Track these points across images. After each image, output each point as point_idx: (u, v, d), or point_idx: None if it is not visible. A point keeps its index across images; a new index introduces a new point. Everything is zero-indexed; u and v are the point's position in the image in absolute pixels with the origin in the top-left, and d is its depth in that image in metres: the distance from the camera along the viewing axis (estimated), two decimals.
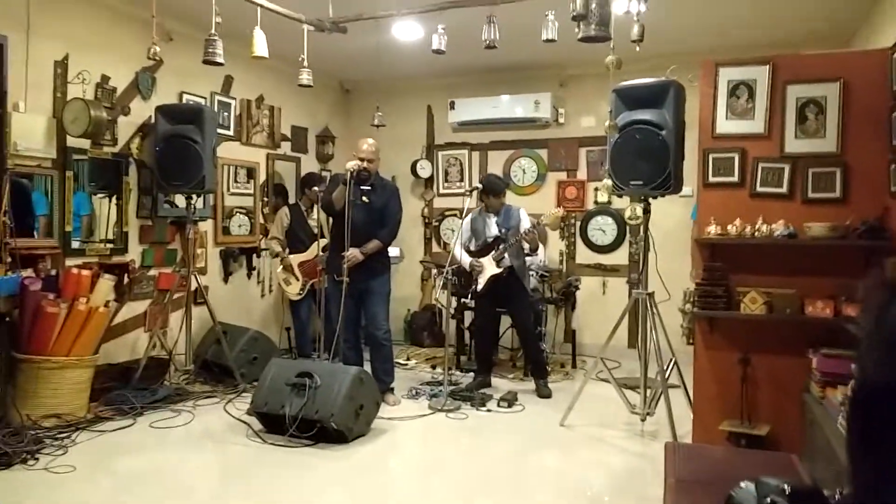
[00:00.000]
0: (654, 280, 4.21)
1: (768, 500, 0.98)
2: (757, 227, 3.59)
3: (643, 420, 4.16)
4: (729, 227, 3.65)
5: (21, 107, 4.26)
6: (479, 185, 5.23)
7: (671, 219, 5.56)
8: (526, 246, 5.18)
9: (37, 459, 3.50)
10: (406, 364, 6.06)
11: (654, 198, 4.15)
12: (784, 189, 3.66)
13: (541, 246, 6.14)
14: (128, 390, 4.51)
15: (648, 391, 4.16)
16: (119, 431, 4.04)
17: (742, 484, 1.05)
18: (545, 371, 5.30)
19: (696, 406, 3.85)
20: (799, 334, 3.49)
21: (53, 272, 4.23)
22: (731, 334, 3.71)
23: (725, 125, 3.78)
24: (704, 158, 3.81)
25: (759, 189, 3.71)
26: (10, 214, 3.91)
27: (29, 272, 4.10)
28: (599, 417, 4.45)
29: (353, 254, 4.62)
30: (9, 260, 3.93)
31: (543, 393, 5.08)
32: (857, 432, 0.51)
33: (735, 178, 3.75)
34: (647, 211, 4.20)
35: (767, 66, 3.70)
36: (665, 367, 4.04)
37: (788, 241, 3.51)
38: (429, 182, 7.32)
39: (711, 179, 3.81)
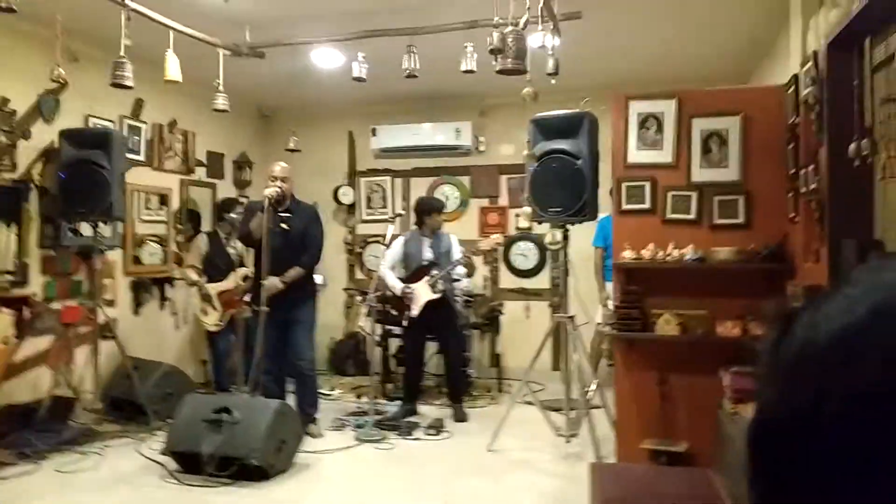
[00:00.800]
0: (575, 303, 4.32)
1: None
2: (668, 251, 3.75)
3: (568, 441, 4.23)
4: (643, 251, 3.80)
5: None
6: (416, 207, 5.26)
7: (589, 244, 5.73)
8: (462, 271, 5.22)
9: None
10: (330, 394, 5.93)
11: (572, 224, 4.28)
12: (692, 216, 3.85)
13: (464, 270, 6.19)
14: (30, 432, 4.19)
15: (572, 413, 4.24)
16: (21, 477, 3.76)
17: None
18: (462, 396, 5.32)
19: (618, 425, 3.95)
20: (711, 353, 3.64)
21: None
22: (649, 355, 3.84)
23: (637, 155, 3.95)
24: (618, 187, 3.96)
25: (670, 216, 3.88)
26: None
27: None
28: (526, 441, 4.49)
29: (271, 283, 4.50)
30: None
31: (460, 416, 5.10)
32: (754, 475, 0.50)
33: (647, 206, 3.91)
34: (565, 237, 4.32)
35: (674, 100, 3.90)
36: (587, 389, 4.14)
37: (698, 265, 3.69)
38: (351, 208, 7.27)
39: (625, 206, 3.95)
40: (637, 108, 3.95)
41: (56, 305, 4.93)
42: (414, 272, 5.19)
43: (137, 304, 5.75)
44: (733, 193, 3.80)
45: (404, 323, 5.21)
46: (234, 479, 3.69)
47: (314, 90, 6.29)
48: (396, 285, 5.14)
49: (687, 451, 3.65)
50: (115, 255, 5.51)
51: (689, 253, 3.71)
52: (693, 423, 3.73)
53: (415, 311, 5.08)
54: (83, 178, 4.63)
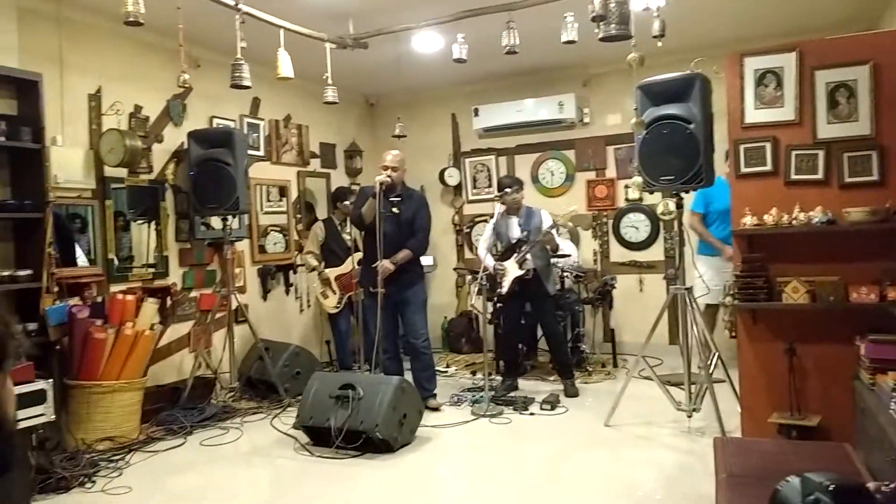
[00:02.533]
0: (693, 274, 4.17)
1: (812, 497, 0.97)
2: (794, 215, 3.54)
3: (689, 416, 4.12)
4: (765, 216, 3.60)
5: (59, 140, 4.40)
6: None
7: None
8: (569, 248, 5.18)
9: (94, 482, 3.60)
10: (446, 371, 6.09)
11: (686, 192, 4.12)
12: (820, 175, 3.60)
13: (573, 246, 6.13)
14: (177, 410, 4.62)
15: (693, 387, 4.12)
16: (171, 451, 4.14)
17: (788, 479, 1.04)
18: (571, 371, 5.29)
19: (743, 399, 3.79)
20: (845, 321, 3.42)
21: (99, 299, 4.35)
22: (775, 325, 3.66)
23: (755, 115, 3.73)
24: (736, 149, 3.77)
25: (794, 177, 3.65)
26: (54, 245, 4.02)
27: (76, 300, 4.21)
28: (644, 416, 4.41)
29: (383, 265, 4.67)
30: (56, 289, 4.05)
31: (570, 392, 5.08)
32: None
33: (768, 168, 3.70)
34: (679, 206, 4.17)
35: (794, 53, 3.65)
36: (709, 362, 4.00)
37: (828, 228, 3.46)
38: (458, 189, 7.35)
39: (744, 170, 3.76)
40: (753, 64, 3.73)
41: (194, 294, 5.36)
42: (505, 250, 5.22)
43: (265, 290, 6.14)
44: (865, 149, 3.51)
45: (497, 300, 5.24)
46: (361, 452, 3.89)
47: (416, 75, 6.39)
48: (489, 264, 5.19)
49: (819, 425, 3.45)
50: (243, 246, 5.91)
51: (817, 215, 3.48)
52: (826, 395, 3.53)
53: (504, 287, 5.11)
54: (211, 175, 4.99)
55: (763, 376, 3.68)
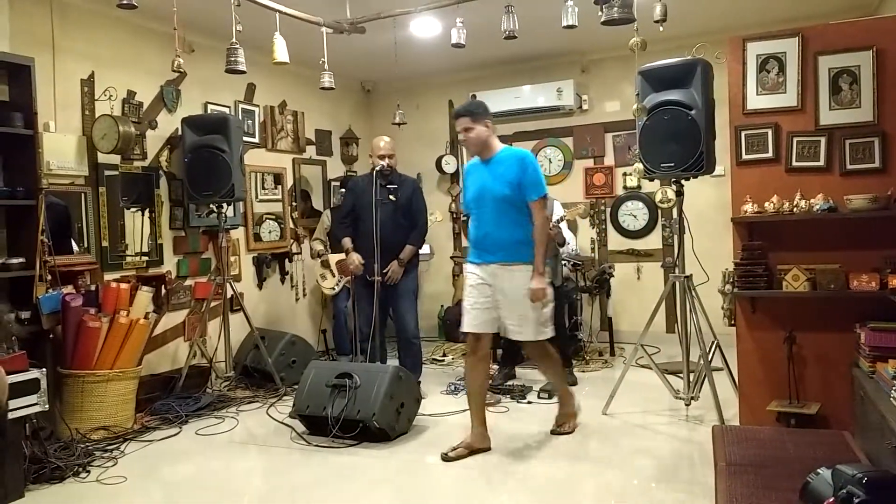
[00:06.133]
0: (691, 262, 4.14)
1: (845, 490, 0.94)
2: (795, 202, 3.52)
3: (688, 405, 4.10)
4: (766, 204, 3.58)
5: (51, 126, 4.34)
6: None
7: (704, 199, 5.48)
8: (567, 236, 5.15)
9: (88, 472, 3.56)
10: (443, 360, 6.07)
11: (687, 179, 4.08)
12: (821, 162, 3.58)
13: (571, 234, 6.09)
14: (172, 399, 4.58)
15: (691, 375, 4.10)
16: (166, 440, 4.11)
17: (819, 471, 1.01)
18: (569, 360, 5.26)
19: (741, 388, 3.78)
20: (845, 309, 3.41)
21: (93, 287, 4.30)
22: (774, 313, 3.64)
23: (757, 101, 3.71)
24: (737, 136, 3.74)
25: (796, 164, 3.63)
26: (47, 233, 3.97)
27: (69, 289, 4.17)
28: (642, 404, 4.40)
29: (393, 270, 4.72)
30: (49, 278, 3.99)
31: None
32: None
33: (770, 154, 3.67)
34: (679, 193, 4.14)
35: (797, 38, 3.61)
36: (707, 350, 3.98)
37: (828, 216, 3.44)
38: (454, 177, 7.30)
39: (745, 157, 3.73)
40: (755, 49, 3.70)
41: (189, 282, 5.32)
42: None
43: (261, 279, 6.10)
44: (867, 135, 3.49)
45: None
46: (358, 441, 3.87)
47: (413, 61, 6.33)
48: None
49: (819, 413, 3.44)
50: (238, 234, 5.86)
51: (818, 203, 3.46)
52: (825, 383, 3.52)
53: None
54: (205, 162, 4.94)
55: (761, 364, 3.67)
